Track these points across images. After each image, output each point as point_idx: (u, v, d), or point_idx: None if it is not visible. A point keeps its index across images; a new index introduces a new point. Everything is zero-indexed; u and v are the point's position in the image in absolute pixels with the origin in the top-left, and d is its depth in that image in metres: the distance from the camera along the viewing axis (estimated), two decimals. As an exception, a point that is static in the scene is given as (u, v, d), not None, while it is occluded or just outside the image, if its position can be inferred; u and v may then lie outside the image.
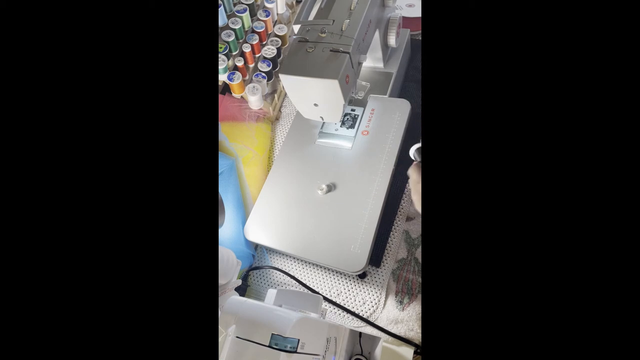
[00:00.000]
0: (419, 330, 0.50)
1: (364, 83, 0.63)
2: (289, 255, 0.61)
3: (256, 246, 0.64)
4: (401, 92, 0.68)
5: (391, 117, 0.62)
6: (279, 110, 0.76)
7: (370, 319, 0.53)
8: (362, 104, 0.64)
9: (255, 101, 0.68)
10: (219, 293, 0.47)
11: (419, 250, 0.55)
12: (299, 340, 0.35)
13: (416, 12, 0.75)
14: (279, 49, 0.70)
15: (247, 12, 0.66)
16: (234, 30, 0.65)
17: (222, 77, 0.64)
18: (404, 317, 0.51)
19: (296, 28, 0.52)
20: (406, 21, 0.72)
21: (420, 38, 0.74)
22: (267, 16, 0.68)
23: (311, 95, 0.51)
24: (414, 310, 0.51)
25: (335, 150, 0.62)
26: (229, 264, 0.48)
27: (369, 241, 0.52)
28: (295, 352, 0.34)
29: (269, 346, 0.34)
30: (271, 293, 0.50)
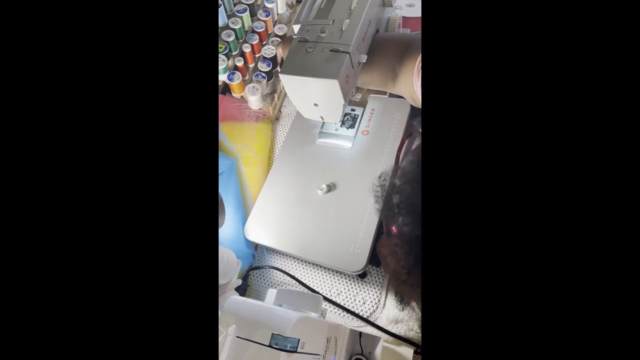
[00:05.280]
0: (419, 330, 0.50)
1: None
2: (289, 255, 0.61)
3: (256, 246, 0.64)
4: (401, 92, 0.68)
5: (391, 117, 0.62)
6: (279, 110, 0.76)
7: (370, 319, 0.53)
8: (362, 104, 0.64)
9: (255, 101, 0.68)
10: (219, 293, 0.47)
11: (419, 250, 0.55)
12: (299, 340, 0.35)
13: (416, 12, 0.75)
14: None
15: (247, 12, 0.66)
16: (234, 30, 0.65)
17: (222, 77, 0.64)
18: (404, 317, 0.51)
19: (296, 28, 0.52)
20: (406, 21, 0.72)
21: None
22: (267, 16, 0.68)
23: (311, 95, 0.51)
24: (414, 310, 0.51)
25: (335, 150, 0.62)
26: (229, 264, 0.48)
27: (369, 241, 0.52)
28: (296, 351, 0.34)
29: (269, 346, 0.34)
30: (271, 293, 0.50)
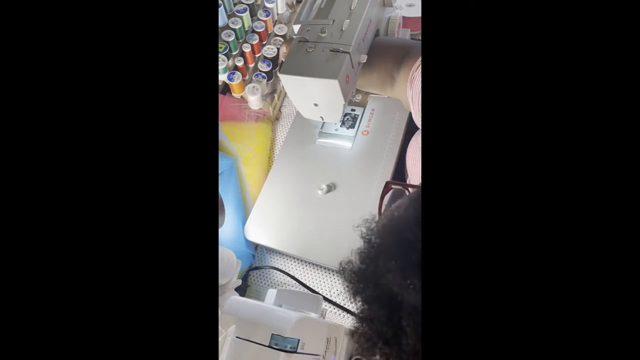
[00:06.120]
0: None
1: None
2: (289, 255, 0.61)
3: (256, 246, 0.64)
4: (401, 92, 0.68)
5: (391, 117, 0.62)
6: (279, 110, 0.76)
7: (370, 319, 0.53)
8: (362, 104, 0.64)
9: (255, 101, 0.68)
10: (219, 293, 0.47)
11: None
12: (299, 340, 0.35)
13: (416, 12, 0.75)
14: (279, 49, 0.70)
15: (247, 12, 0.66)
16: (234, 30, 0.65)
17: (222, 77, 0.64)
18: (404, 317, 0.51)
19: (296, 28, 0.52)
20: (406, 21, 0.72)
21: (420, 38, 0.74)
22: (267, 16, 0.68)
23: (311, 95, 0.51)
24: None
25: (335, 150, 0.62)
26: (229, 264, 0.48)
27: (369, 241, 0.52)
28: (296, 352, 0.34)
29: (269, 346, 0.34)
30: (271, 293, 0.50)
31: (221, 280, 0.47)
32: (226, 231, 0.60)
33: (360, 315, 0.29)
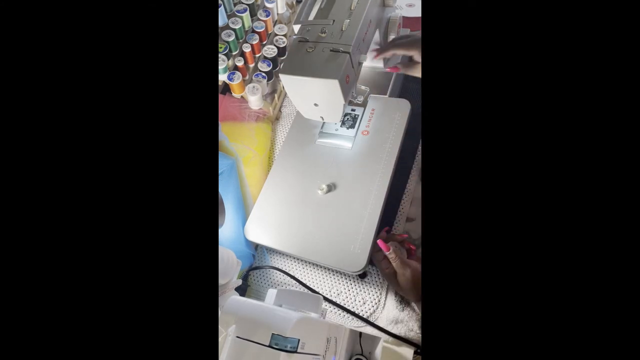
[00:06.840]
0: (419, 331, 0.50)
1: (363, 87, 0.62)
2: (289, 255, 0.61)
3: (256, 246, 0.64)
4: (401, 92, 0.68)
5: (391, 117, 0.62)
6: (279, 110, 0.76)
7: (370, 319, 0.53)
8: (362, 104, 0.64)
9: (255, 101, 0.68)
10: (219, 293, 0.47)
11: (419, 250, 0.55)
12: (299, 340, 0.35)
13: (416, 12, 0.75)
14: (279, 49, 0.70)
15: (247, 12, 0.66)
16: (234, 30, 0.65)
17: (222, 77, 0.64)
18: (404, 317, 0.51)
19: (296, 28, 0.52)
20: (406, 21, 0.72)
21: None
22: (267, 16, 0.68)
23: (311, 95, 0.51)
24: (414, 310, 0.51)
25: (335, 150, 0.62)
26: (229, 264, 0.48)
27: (369, 241, 0.52)
28: (296, 352, 0.34)
29: (269, 346, 0.34)
30: (271, 293, 0.50)
31: (221, 280, 0.47)
32: (226, 231, 0.60)
33: None
